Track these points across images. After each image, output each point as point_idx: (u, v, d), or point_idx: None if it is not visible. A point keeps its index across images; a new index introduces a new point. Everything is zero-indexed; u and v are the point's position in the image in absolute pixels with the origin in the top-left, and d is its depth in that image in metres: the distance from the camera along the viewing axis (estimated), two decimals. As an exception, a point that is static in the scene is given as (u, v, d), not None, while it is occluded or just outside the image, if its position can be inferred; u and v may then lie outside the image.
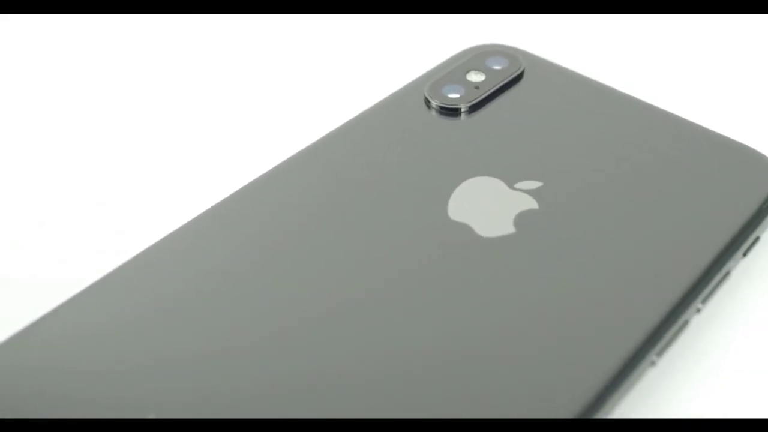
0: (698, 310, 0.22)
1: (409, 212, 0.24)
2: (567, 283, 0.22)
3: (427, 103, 0.27)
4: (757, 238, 0.23)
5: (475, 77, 0.28)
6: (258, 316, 0.21)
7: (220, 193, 0.24)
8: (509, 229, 0.23)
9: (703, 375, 0.22)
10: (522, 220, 0.23)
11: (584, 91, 0.27)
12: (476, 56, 0.29)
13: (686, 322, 0.21)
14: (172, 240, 0.23)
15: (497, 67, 0.28)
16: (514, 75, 0.28)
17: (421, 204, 0.24)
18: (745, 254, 0.23)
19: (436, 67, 0.29)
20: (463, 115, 0.27)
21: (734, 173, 0.24)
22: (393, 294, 0.21)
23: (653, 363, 0.21)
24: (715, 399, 0.21)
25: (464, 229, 0.23)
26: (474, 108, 0.27)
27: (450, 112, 0.27)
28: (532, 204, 0.24)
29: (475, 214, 0.23)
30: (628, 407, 0.21)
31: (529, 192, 0.24)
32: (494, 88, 0.27)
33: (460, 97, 0.27)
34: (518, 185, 0.24)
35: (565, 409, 0.19)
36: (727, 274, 0.22)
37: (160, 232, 0.23)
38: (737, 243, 0.23)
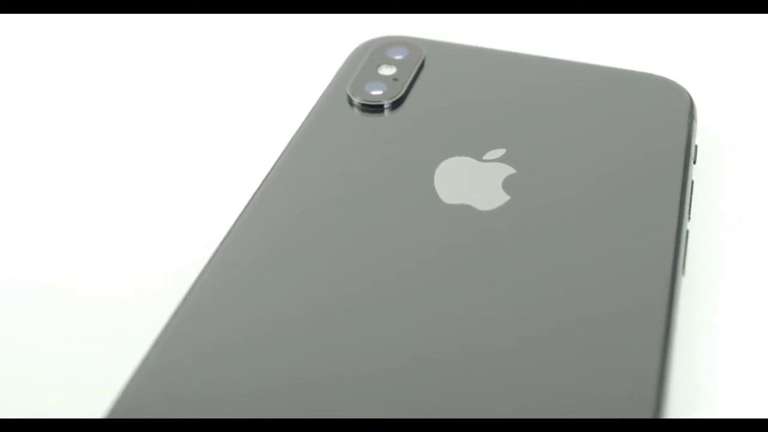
0: (689, 219, 0.24)
1: (408, 210, 0.23)
2: (587, 230, 0.23)
3: (353, 103, 0.27)
4: (696, 146, 0.26)
5: (388, 70, 0.28)
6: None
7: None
8: (504, 197, 0.24)
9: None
10: (510, 186, 0.24)
11: (493, 60, 0.29)
12: (376, 51, 0.29)
13: (688, 231, 0.24)
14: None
15: (400, 57, 0.29)
16: (422, 60, 0.29)
17: (414, 200, 0.24)
18: (695, 162, 0.26)
19: (342, 68, 0.28)
20: (393, 109, 0.27)
21: (654, 99, 0.27)
22: (442, 285, 0.21)
23: (684, 273, 0.23)
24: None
25: (467, 210, 0.23)
26: (402, 99, 0.27)
27: (381, 108, 0.27)
28: (509, 170, 0.25)
29: (466, 193, 0.24)
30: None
31: (499, 160, 0.25)
32: (412, 76, 0.28)
33: (385, 92, 0.27)
34: (486, 156, 0.25)
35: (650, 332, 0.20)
36: (693, 182, 0.25)
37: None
38: (688, 154, 0.25)
